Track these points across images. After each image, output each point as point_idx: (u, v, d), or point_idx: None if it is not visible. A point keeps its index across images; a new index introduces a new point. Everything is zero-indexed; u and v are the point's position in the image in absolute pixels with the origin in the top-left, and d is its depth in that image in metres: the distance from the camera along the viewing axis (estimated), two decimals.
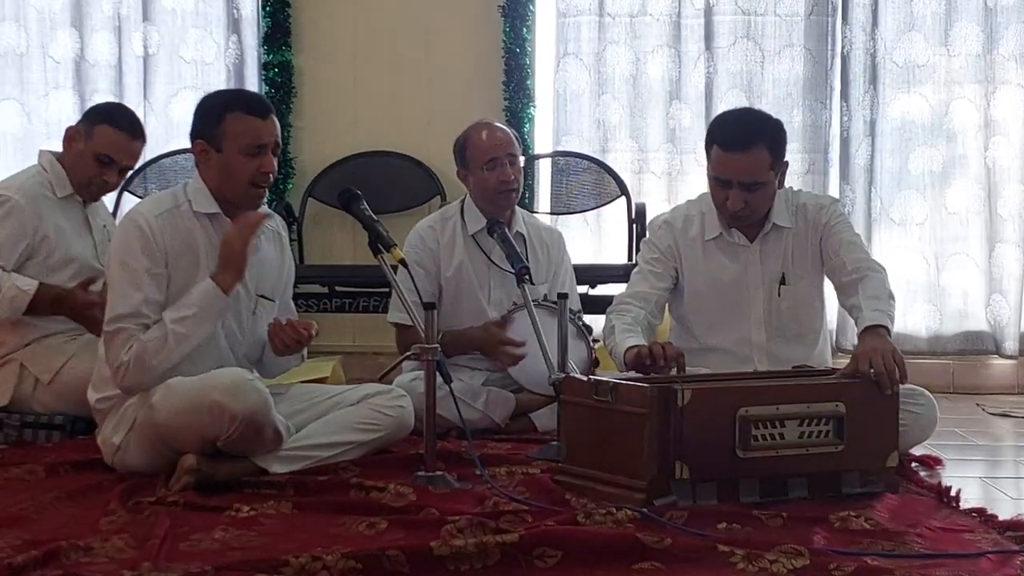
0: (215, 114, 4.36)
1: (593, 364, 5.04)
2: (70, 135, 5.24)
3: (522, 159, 5.43)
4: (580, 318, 5.09)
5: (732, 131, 4.74)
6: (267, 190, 4.42)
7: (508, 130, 5.45)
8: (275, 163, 4.39)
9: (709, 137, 4.80)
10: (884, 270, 4.72)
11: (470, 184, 5.39)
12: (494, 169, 5.27)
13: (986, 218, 7.31)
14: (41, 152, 5.35)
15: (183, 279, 4.31)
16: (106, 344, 4.27)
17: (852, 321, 4.78)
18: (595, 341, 5.14)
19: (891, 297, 4.58)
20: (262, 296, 4.51)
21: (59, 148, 5.30)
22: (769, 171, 4.70)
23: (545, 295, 5.14)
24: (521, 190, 5.43)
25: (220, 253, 4.32)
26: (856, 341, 4.51)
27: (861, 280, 4.63)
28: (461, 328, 5.28)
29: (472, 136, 5.37)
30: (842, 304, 4.82)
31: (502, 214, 5.30)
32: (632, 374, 4.42)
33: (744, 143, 4.67)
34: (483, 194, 5.34)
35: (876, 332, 4.35)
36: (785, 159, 4.78)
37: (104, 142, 5.17)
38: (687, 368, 4.59)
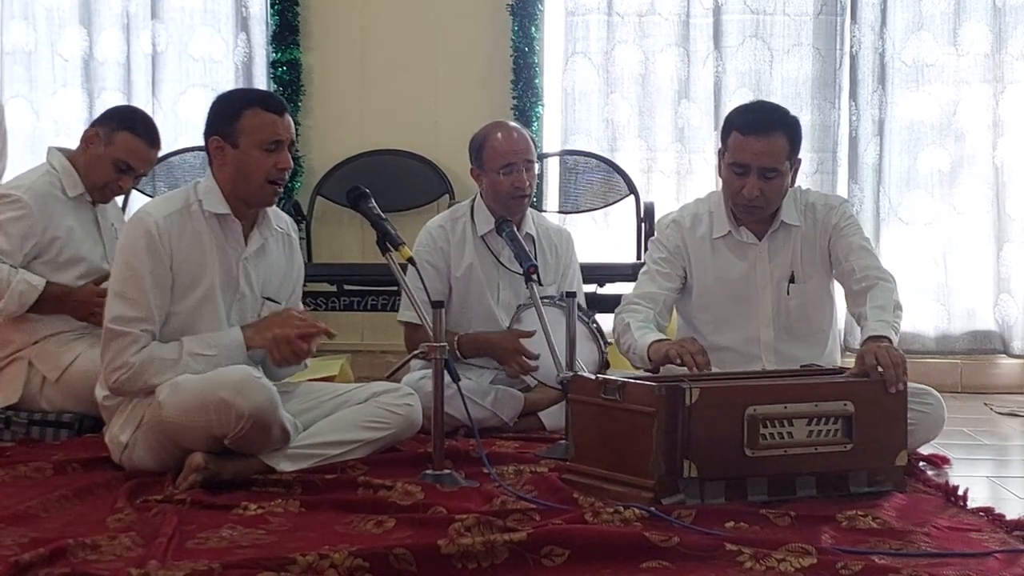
0: (232, 110, 4.36)
1: (604, 366, 5.03)
2: (88, 137, 5.22)
3: (537, 165, 5.42)
4: (593, 319, 5.06)
5: (753, 117, 4.77)
6: (282, 188, 4.41)
7: (527, 133, 5.43)
8: (291, 160, 4.40)
9: (727, 125, 4.81)
10: (894, 279, 4.72)
11: (483, 184, 5.38)
12: (510, 174, 5.26)
13: (994, 217, 7.32)
14: (50, 150, 5.33)
15: (188, 280, 4.31)
16: (106, 341, 4.26)
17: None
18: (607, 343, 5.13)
19: (898, 308, 4.59)
20: (268, 298, 4.51)
21: (68, 145, 5.30)
22: (785, 160, 4.71)
23: (560, 292, 5.12)
24: (533, 195, 5.43)
25: (274, 320, 4.38)
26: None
27: (870, 289, 4.64)
28: (475, 331, 5.28)
29: (491, 137, 5.34)
30: (850, 312, 4.84)
31: (512, 217, 5.29)
32: (640, 373, 4.42)
33: (764, 128, 4.69)
34: (495, 196, 5.32)
35: (878, 340, 4.35)
36: (799, 156, 4.79)
37: (124, 149, 5.17)
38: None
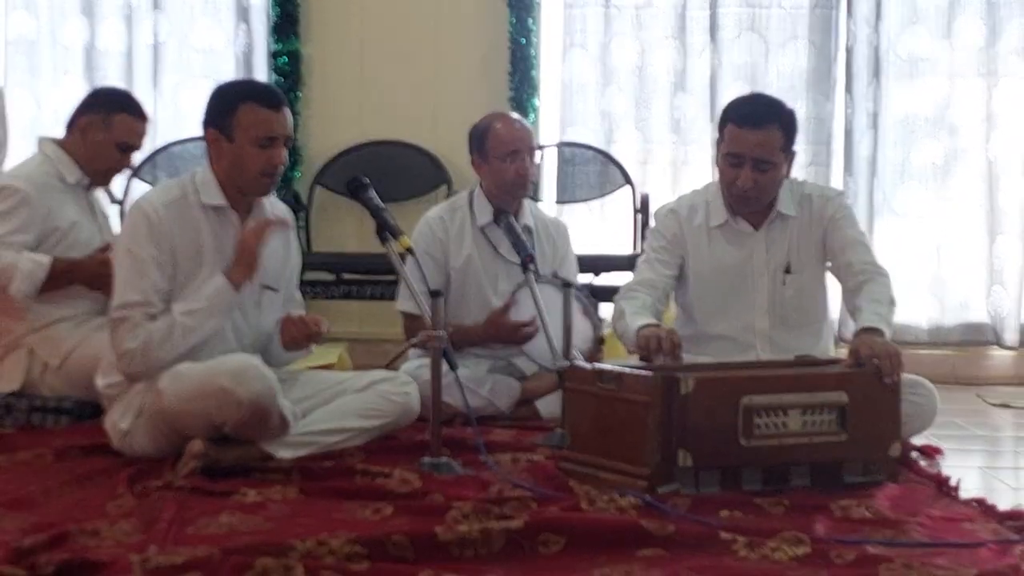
0: (228, 104, 4.38)
1: (599, 342, 5.05)
2: (84, 126, 5.22)
3: (539, 154, 5.45)
4: (587, 294, 5.09)
5: (749, 109, 4.81)
6: (278, 179, 4.44)
7: (527, 124, 5.48)
8: (286, 155, 4.42)
9: (724, 117, 4.85)
10: (888, 274, 4.76)
11: (484, 173, 5.40)
12: (514, 162, 5.29)
13: (987, 210, 7.34)
14: (42, 140, 5.34)
15: (187, 270, 4.33)
16: (112, 330, 4.29)
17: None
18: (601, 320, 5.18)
19: (892, 303, 4.63)
20: (266, 286, 4.52)
21: (61, 136, 5.33)
22: (780, 152, 4.74)
23: (555, 272, 5.15)
24: (534, 183, 5.45)
25: (236, 250, 4.36)
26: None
27: (866, 284, 4.67)
28: (466, 324, 5.30)
29: (494, 126, 5.36)
30: (846, 306, 4.88)
31: (511, 205, 5.32)
32: (636, 361, 4.44)
33: (759, 120, 4.72)
34: (498, 184, 5.35)
35: (871, 332, 4.39)
36: (794, 148, 4.82)
37: (125, 130, 5.22)
38: (689, 356, 4.62)
